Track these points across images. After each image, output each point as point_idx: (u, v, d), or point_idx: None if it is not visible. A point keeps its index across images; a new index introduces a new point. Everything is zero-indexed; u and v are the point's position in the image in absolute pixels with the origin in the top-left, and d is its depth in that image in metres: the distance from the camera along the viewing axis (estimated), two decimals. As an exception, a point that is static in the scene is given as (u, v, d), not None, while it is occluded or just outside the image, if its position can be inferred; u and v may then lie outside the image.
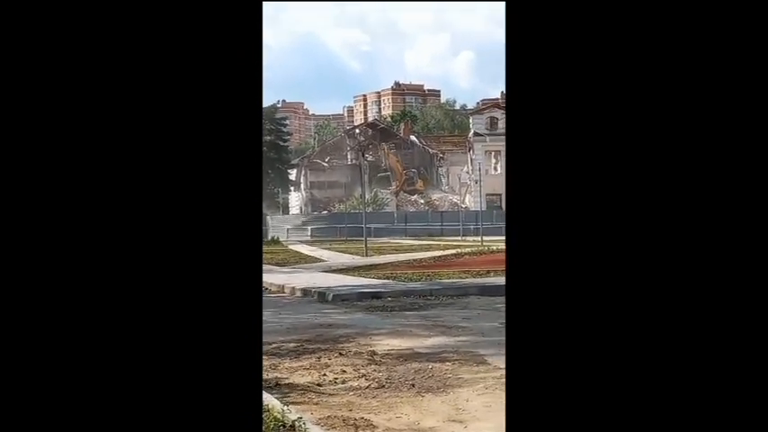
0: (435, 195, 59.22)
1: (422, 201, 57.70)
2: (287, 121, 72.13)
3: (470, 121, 58.31)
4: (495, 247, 23.56)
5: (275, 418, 4.16)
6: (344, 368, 6.00)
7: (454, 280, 13.61)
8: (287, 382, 5.58)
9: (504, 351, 7.06)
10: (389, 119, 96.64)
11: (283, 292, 13.01)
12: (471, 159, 53.67)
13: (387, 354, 6.64)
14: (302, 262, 21.26)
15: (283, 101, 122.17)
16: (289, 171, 60.31)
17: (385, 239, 36.10)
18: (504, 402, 4.88)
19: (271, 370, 5.91)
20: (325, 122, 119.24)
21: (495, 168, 53.07)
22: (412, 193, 59.28)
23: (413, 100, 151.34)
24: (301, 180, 63.09)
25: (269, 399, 4.53)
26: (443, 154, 63.51)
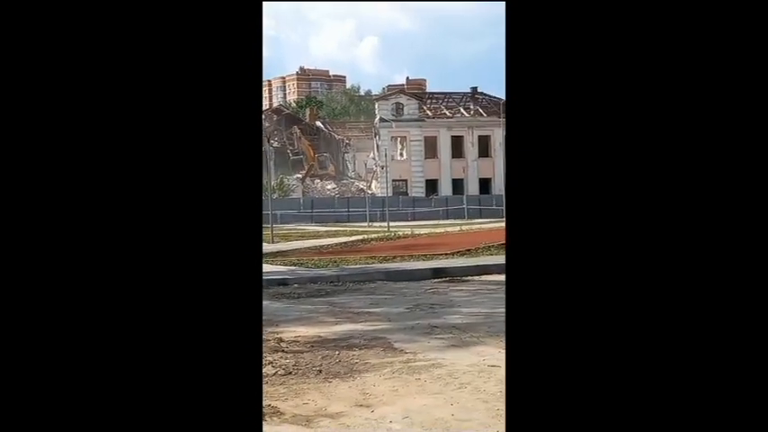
0: (342, 181, 59.15)
1: (329, 187, 57.61)
2: (189, 106, 70.44)
3: (376, 106, 58.45)
4: (401, 233, 23.77)
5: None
6: (251, 356, 5.94)
7: (361, 266, 13.68)
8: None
9: (411, 336, 7.13)
10: (294, 104, 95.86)
11: (187, 281, 12.77)
12: (377, 145, 53.87)
13: (294, 341, 6.62)
14: (207, 250, 20.87)
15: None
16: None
17: (291, 226, 35.89)
18: (409, 386, 4.94)
19: (175, 360, 5.80)
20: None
21: (401, 154, 53.47)
22: (324, 177, 59.07)
23: (318, 85, 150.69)
24: (205, 166, 61.87)
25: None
26: (349, 140, 63.52)
